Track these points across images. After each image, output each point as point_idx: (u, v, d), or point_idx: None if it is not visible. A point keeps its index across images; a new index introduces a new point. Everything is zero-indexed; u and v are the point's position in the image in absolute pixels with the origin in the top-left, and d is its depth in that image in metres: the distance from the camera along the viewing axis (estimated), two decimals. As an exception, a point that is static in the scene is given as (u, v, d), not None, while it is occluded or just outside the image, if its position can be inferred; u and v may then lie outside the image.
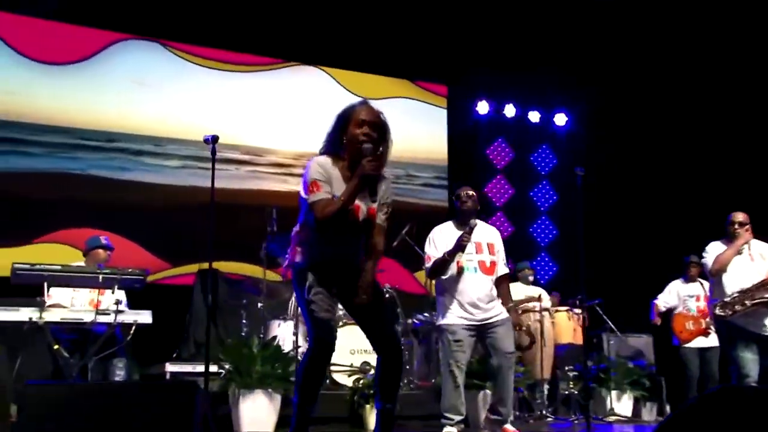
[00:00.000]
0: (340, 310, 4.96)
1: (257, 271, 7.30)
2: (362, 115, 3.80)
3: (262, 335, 6.55)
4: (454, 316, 5.21)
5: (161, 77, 9.36)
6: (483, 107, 11.01)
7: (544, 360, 7.24)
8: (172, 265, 8.85)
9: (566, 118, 11.47)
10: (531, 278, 7.89)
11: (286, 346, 6.26)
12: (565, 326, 7.55)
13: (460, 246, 5.13)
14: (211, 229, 4.94)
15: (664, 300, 7.82)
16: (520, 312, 7.22)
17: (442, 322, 5.29)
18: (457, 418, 5.16)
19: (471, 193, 5.37)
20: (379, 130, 3.81)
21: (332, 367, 6.29)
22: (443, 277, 5.27)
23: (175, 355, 7.60)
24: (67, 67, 8.90)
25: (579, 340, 7.51)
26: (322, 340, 3.77)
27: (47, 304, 5.75)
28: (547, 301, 7.70)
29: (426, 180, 10.63)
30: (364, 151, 3.70)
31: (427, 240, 5.39)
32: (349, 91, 10.29)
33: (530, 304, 7.33)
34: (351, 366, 6.45)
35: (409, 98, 10.70)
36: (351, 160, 3.78)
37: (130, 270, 5.56)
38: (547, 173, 11.54)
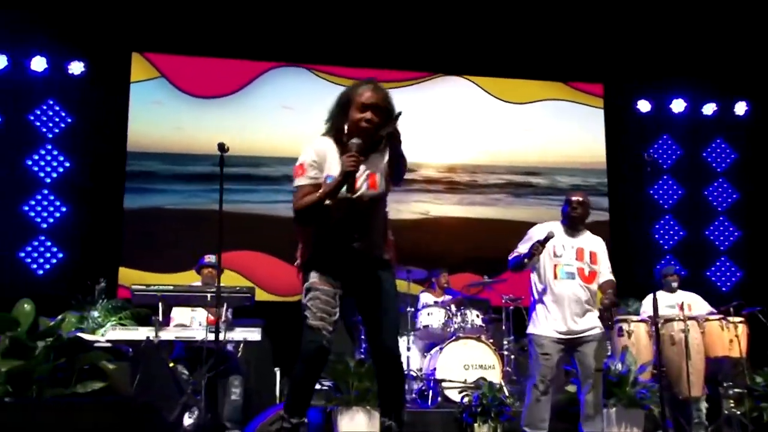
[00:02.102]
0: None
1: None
2: (364, 98, 3.59)
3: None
4: (544, 327, 4.96)
5: (309, 101, 9.67)
6: (644, 104, 10.31)
7: (691, 375, 6.58)
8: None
9: (746, 108, 10.46)
10: (675, 285, 7.22)
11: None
12: (717, 337, 6.82)
13: (531, 255, 4.91)
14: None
15: None
16: (662, 321, 6.66)
17: (532, 330, 5.05)
18: None
19: (582, 200, 5.16)
20: (384, 113, 3.57)
21: (443, 383, 6.15)
22: (538, 282, 5.04)
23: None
24: (223, 99, 9.48)
25: (737, 352, 6.76)
26: (307, 348, 3.56)
27: (173, 324, 6.20)
28: (701, 308, 7.04)
29: (583, 185, 10.13)
30: (350, 146, 3.50)
31: (526, 234, 5.20)
32: (498, 98, 10.13)
33: (672, 313, 6.71)
34: (464, 382, 6.26)
35: (562, 100, 10.26)
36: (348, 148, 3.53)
37: (238, 288, 5.78)
38: (724, 169, 10.56)
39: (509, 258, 5.14)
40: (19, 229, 8.77)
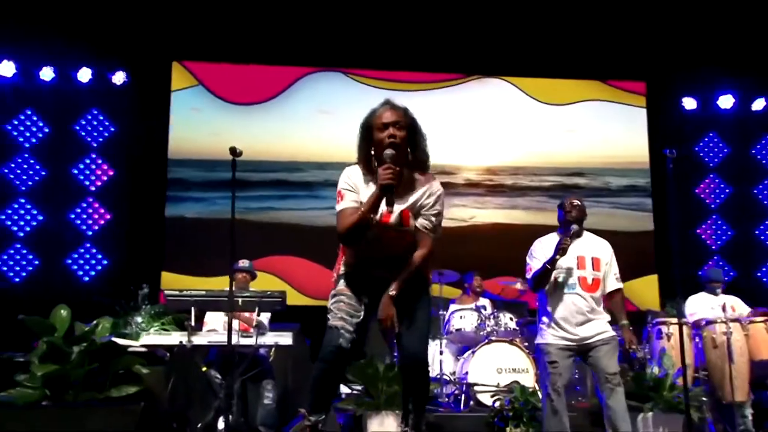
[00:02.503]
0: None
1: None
2: (383, 118, 3.65)
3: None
4: (549, 336, 4.82)
5: (345, 105, 9.70)
6: (689, 102, 10.07)
7: (735, 379, 6.40)
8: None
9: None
10: (719, 291, 6.96)
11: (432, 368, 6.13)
12: (762, 340, 6.61)
13: (559, 250, 4.72)
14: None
15: None
16: (703, 323, 6.50)
17: (538, 341, 4.92)
18: None
19: (577, 202, 4.95)
20: (406, 127, 3.64)
21: (476, 387, 6.09)
22: (542, 293, 4.89)
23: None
24: (260, 106, 9.57)
25: (785, 355, 6.54)
26: (325, 347, 3.65)
27: (205, 329, 6.27)
28: (743, 309, 6.84)
29: (627, 186, 9.96)
30: (384, 157, 3.56)
31: (529, 252, 5.02)
32: (535, 99, 10.02)
33: (713, 315, 6.54)
34: (497, 386, 6.18)
35: (602, 100, 10.10)
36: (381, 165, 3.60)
37: (269, 293, 5.80)
38: (776, 167, 10.26)
39: (528, 278, 4.97)
40: (66, 236, 8.98)
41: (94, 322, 5.52)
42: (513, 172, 9.92)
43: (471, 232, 9.62)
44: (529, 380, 6.24)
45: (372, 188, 3.64)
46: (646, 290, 9.39)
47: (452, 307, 7.24)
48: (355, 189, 3.69)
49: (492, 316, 6.77)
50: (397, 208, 3.65)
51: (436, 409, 6.22)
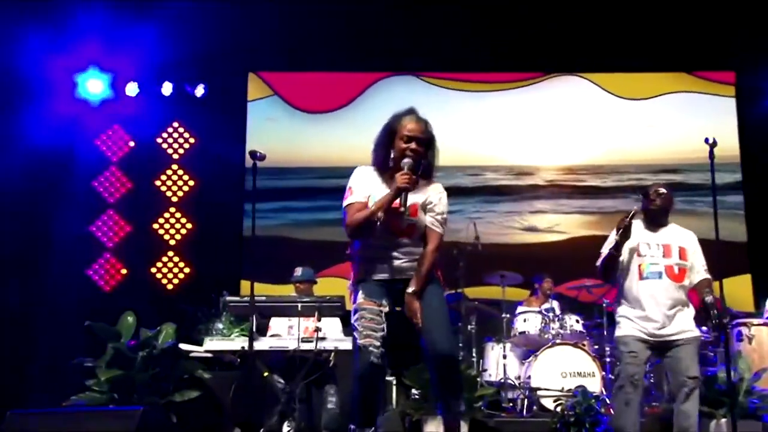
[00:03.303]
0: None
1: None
2: (407, 130, 3.84)
3: (473, 357, 6.40)
4: (629, 327, 4.60)
5: (420, 108, 9.64)
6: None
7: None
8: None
9: None
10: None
11: (493, 370, 6.03)
12: None
13: (618, 230, 4.50)
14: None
15: None
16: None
17: (617, 333, 4.70)
18: None
19: (662, 191, 4.72)
20: (425, 144, 3.85)
21: (539, 392, 5.93)
22: (623, 283, 4.68)
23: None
24: (335, 113, 9.65)
25: None
26: (358, 367, 3.81)
27: (269, 334, 6.37)
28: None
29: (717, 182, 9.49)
30: (403, 164, 3.76)
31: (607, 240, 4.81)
32: (616, 95, 9.71)
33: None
34: (561, 390, 5.99)
35: (687, 92, 9.68)
36: (396, 172, 3.78)
37: (328, 297, 5.82)
38: None
39: (598, 265, 4.77)
40: (150, 246, 9.30)
41: (158, 328, 5.69)
42: (594, 171, 9.64)
43: (552, 231, 9.41)
44: (595, 385, 6.03)
45: (383, 190, 3.82)
46: (738, 291, 8.92)
47: (519, 309, 7.09)
48: (365, 187, 3.87)
49: (557, 318, 6.58)
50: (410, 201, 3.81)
51: (499, 414, 6.10)
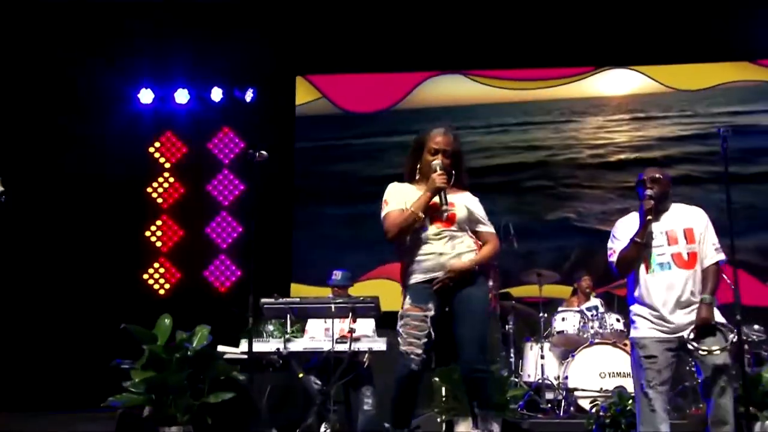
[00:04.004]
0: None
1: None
2: (435, 143, 3.97)
3: (512, 358, 6.29)
4: (644, 328, 4.29)
5: (468, 105, 9.57)
6: None
7: None
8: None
9: None
10: None
11: (532, 370, 5.92)
12: None
13: (646, 213, 4.23)
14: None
15: None
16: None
17: (633, 334, 4.40)
18: None
19: (657, 176, 4.37)
20: (453, 157, 3.99)
21: (576, 392, 5.77)
22: (632, 279, 4.38)
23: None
24: (383, 113, 9.64)
25: None
26: (398, 372, 3.91)
27: (306, 336, 6.39)
28: None
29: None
30: (434, 166, 3.91)
31: (610, 235, 4.53)
32: (670, 87, 9.39)
33: None
34: (600, 390, 5.81)
35: (749, 81, 9.30)
36: (425, 182, 3.95)
37: (362, 298, 5.81)
38: None
39: (611, 261, 4.45)
40: (203, 249, 9.47)
41: (195, 329, 5.76)
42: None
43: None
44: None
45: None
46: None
47: (559, 308, 6.94)
48: (400, 198, 3.98)
49: (596, 317, 6.40)
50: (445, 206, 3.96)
51: (535, 416, 5.98)
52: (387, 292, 8.23)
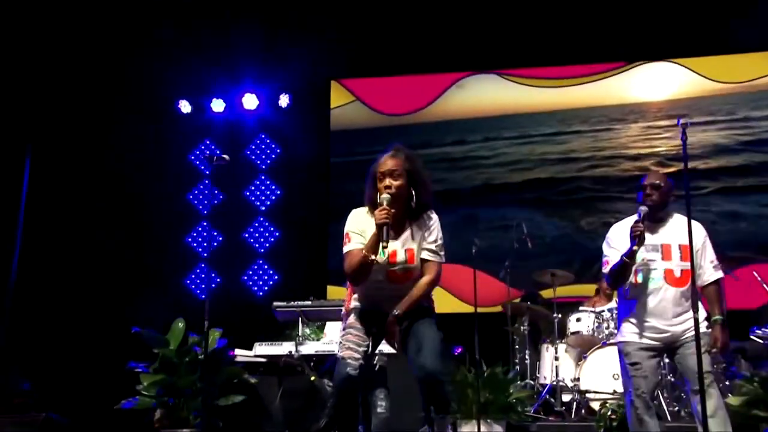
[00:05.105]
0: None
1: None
2: (381, 168, 3.87)
3: (527, 359, 6.18)
4: (629, 334, 4.23)
5: (502, 105, 9.47)
6: None
7: None
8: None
9: None
10: None
11: (548, 372, 5.80)
12: None
13: (633, 237, 4.09)
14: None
15: None
16: None
17: (618, 339, 4.33)
18: None
19: (658, 182, 4.24)
20: (408, 176, 3.83)
21: (588, 395, 5.62)
22: (622, 290, 4.30)
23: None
24: (416, 115, 9.62)
25: None
26: (336, 378, 3.84)
27: (323, 340, 6.41)
28: None
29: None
30: (380, 200, 3.77)
31: (605, 241, 4.41)
32: (712, 80, 9.04)
33: None
34: (613, 393, 5.65)
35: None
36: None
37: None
38: None
39: (604, 272, 4.37)
40: (241, 254, 9.62)
41: (204, 333, 5.85)
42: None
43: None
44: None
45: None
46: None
47: (580, 308, 6.77)
48: (360, 231, 3.87)
49: (611, 319, 6.22)
50: (401, 248, 3.86)
51: (546, 419, 5.86)
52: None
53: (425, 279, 3.84)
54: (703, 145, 8.91)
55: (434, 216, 3.96)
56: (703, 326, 4.07)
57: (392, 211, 3.74)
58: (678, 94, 9.09)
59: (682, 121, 4.02)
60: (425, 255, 3.86)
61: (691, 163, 8.40)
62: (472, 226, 8.90)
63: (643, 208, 4.19)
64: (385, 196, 3.76)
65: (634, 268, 4.19)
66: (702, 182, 8.73)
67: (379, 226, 3.71)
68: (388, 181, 3.82)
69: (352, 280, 3.90)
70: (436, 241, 3.89)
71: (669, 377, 5.77)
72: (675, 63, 9.14)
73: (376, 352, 4.79)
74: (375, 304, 3.89)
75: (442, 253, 3.90)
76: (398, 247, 3.83)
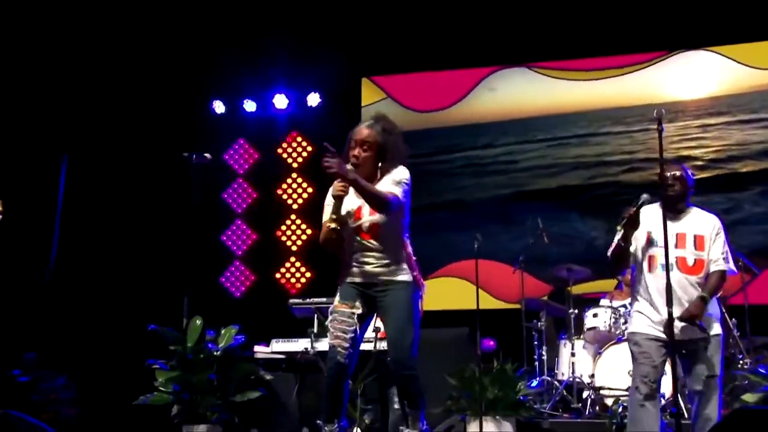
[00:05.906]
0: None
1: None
2: (355, 135, 4.10)
3: (544, 356, 6.09)
4: (640, 324, 4.23)
5: (535, 99, 9.36)
6: None
7: None
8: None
9: None
10: None
11: (565, 368, 5.71)
12: None
13: (627, 221, 4.13)
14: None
15: None
16: None
17: (630, 329, 4.36)
18: None
19: (679, 174, 4.27)
20: (372, 147, 4.01)
21: (602, 391, 5.51)
22: (636, 275, 4.31)
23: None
24: (449, 110, 9.57)
25: None
26: (328, 364, 4.03)
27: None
28: None
29: None
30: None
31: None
32: (753, 67, 8.76)
33: None
34: (627, 389, 5.50)
35: None
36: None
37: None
38: None
39: (608, 255, 4.38)
40: (273, 252, 9.72)
41: (220, 330, 5.93)
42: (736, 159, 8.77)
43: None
44: (664, 384, 5.48)
45: (352, 199, 4.02)
46: None
47: (602, 302, 6.65)
48: (331, 203, 4.12)
49: (628, 314, 6.06)
50: (366, 204, 4.03)
51: (560, 415, 5.77)
52: (453, 291, 8.32)
53: (382, 190, 3.94)
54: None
55: (398, 168, 4.05)
56: (716, 327, 4.06)
57: (347, 184, 3.93)
58: (718, 92, 8.81)
59: (656, 112, 3.98)
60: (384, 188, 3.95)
61: (730, 165, 8.45)
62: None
63: (645, 196, 4.23)
64: (348, 166, 3.95)
65: (649, 254, 4.21)
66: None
67: (335, 198, 3.95)
68: (357, 151, 4.00)
69: (325, 248, 4.07)
70: (396, 179, 3.98)
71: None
72: (715, 52, 8.85)
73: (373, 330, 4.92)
74: (358, 264, 4.01)
75: (400, 188, 3.96)
76: (362, 203, 3.97)
